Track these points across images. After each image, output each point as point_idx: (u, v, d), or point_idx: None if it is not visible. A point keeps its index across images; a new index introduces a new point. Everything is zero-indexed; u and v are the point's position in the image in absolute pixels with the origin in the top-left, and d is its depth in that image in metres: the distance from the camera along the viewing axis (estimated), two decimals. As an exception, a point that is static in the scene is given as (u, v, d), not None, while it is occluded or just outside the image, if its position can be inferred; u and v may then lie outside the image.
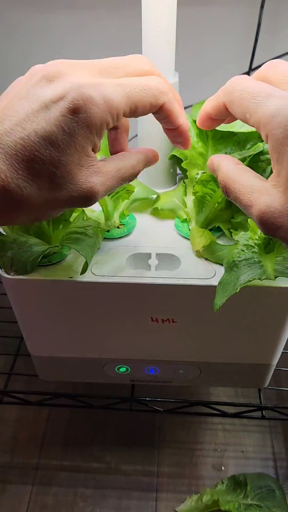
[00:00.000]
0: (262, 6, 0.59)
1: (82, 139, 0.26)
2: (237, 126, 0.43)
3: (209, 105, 0.31)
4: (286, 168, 0.24)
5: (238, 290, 0.33)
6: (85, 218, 0.39)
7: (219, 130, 0.43)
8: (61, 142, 0.25)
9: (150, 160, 0.33)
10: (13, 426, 0.75)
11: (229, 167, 0.29)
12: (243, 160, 0.37)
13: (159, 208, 0.46)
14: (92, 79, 0.26)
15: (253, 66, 0.63)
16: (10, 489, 0.67)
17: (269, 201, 0.25)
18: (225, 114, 0.30)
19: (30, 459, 0.71)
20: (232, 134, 0.43)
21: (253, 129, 0.34)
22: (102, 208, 0.44)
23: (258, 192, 0.26)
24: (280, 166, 0.25)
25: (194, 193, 0.41)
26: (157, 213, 0.47)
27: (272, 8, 0.62)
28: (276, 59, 0.29)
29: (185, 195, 0.47)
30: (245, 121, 0.27)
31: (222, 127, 0.42)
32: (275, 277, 0.34)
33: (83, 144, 0.26)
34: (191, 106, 0.49)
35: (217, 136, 0.44)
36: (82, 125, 0.25)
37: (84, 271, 0.35)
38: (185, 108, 0.52)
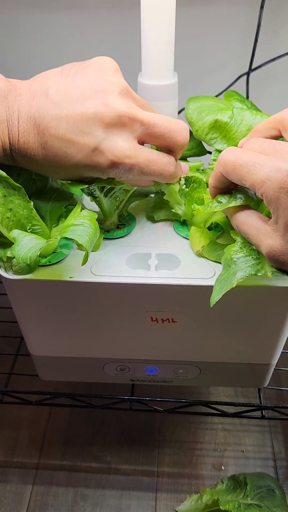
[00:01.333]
0: (262, 6, 0.59)
1: None
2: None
3: (211, 178, 0.37)
4: (281, 218, 0.30)
5: (234, 285, 0.33)
6: (81, 211, 0.39)
7: None
8: None
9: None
10: (13, 426, 0.75)
11: (237, 210, 0.35)
12: None
13: (155, 217, 0.46)
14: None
15: (253, 66, 0.63)
16: (10, 489, 0.68)
17: (271, 243, 0.32)
18: (226, 181, 0.35)
19: (30, 459, 0.71)
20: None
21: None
22: (100, 208, 0.44)
23: (262, 235, 0.33)
24: (276, 216, 0.31)
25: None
26: (153, 220, 0.47)
27: (272, 8, 0.62)
28: (252, 139, 0.35)
29: (181, 199, 0.47)
30: (242, 184, 0.33)
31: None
32: (272, 273, 0.34)
33: None
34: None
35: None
36: None
37: (85, 261, 0.35)
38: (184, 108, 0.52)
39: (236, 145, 0.42)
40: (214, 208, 0.37)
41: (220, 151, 0.45)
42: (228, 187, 0.37)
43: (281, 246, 0.31)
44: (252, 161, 0.32)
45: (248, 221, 0.34)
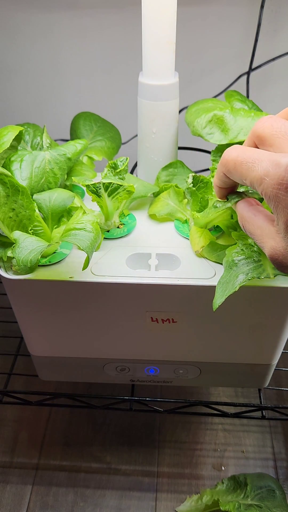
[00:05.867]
0: (262, 6, 0.59)
1: None
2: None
3: (215, 178, 0.36)
4: (281, 219, 0.29)
5: (237, 289, 0.33)
6: (83, 214, 0.39)
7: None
8: None
9: None
10: (13, 426, 0.75)
11: (244, 209, 0.34)
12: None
13: (157, 214, 0.46)
14: None
15: (253, 66, 0.63)
16: (10, 489, 0.67)
17: (274, 245, 0.30)
18: (229, 181, 0.34)
19: (30, 459, 0.71)
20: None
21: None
22: (101, 208, 0.44)
23: (266, 236, 0.31)
24: (277, 216, 0.29)
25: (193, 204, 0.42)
26: (155, 217, 0.47)
27: (272, 8, 0.62)
28: (265, 116, 0.32)
29: (181, 199, 0.47)
30: (243, 183, 0.32)
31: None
32: (274, 276, 0.34)
33: None
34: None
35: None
36: None
37: (85, 266, 0.35)
38: (185, 108, 0.52)
39: (234, 138, 0.42)
40: (212, 213, 0.37)
41: (218, 149, 0.45)
42: (233, 187, 0.36)
43: (283, 249, 0.29)
44: (252, 158, 0.30)
45: (254, 220, 0.32)
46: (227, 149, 0.33)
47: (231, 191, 0.36)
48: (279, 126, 0.30)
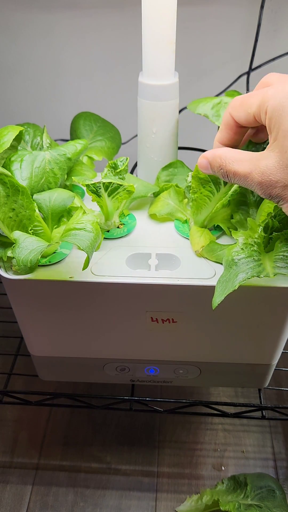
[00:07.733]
0: (262, 6, 0.59)
1: None
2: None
3: (218, 133, 0.37)
4: (281, 131, 0.28)
5: (236, 287, 0.33)
6: (83, 214, 0.39)
7: None
8: None
9: None
10: (13, 426, 0.75)
11: (228, 152, 0.33)
12: None
13: (157, 214, 0.46)
14: None
15: (253, 66, 0.63)
16: (10, 489, 0.67)
17: (265, 163, 0.29)
18: (234, 130, 0.35)
19: (30, 459, 0.71)
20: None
21: None
22: (101, 208, 0.44)
23: (256, 159, 0.30)
24: (276, 132, 0.29)
25: (192, 199, 0.42)
26: (155, 217, 0.47)
27: (272, 8, 0.62)
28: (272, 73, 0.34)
29: (181, 199, 0.47)
30: (248, 119, 0.32)
31: None
32: (274, 275, 0.34)
33: None
34: (191, 106, 0.49)
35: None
36: None
37: (85, 266, 0.35)
38: (185, 108, 0.52)
39: None
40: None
41: None
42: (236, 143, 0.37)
43: (276, 162, 0.29)
44: (259, 91, 0.32)
45: (241, 155, 0.32)
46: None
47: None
48: (285, 76, 0.32)
